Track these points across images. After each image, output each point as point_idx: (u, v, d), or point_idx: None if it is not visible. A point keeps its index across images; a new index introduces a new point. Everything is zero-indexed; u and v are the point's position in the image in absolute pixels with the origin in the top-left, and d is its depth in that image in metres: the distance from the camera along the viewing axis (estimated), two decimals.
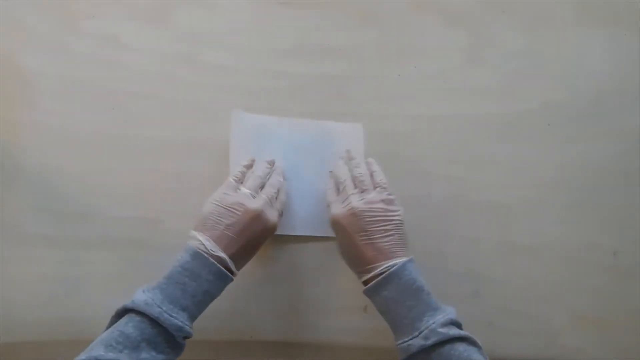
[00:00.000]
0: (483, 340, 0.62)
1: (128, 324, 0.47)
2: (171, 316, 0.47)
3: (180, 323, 0.48)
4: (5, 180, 0.62)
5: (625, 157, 0.65)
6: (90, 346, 0.47)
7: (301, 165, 0.63)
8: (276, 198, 0.57)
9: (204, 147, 0.63)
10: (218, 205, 0.53)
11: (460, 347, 0.48)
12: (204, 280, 0.50)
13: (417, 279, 0.51)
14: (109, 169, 0.63)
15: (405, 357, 0.49)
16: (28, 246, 0.62)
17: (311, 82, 0.64)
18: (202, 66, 0.64)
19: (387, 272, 0.50)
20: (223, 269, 0.51)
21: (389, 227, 0.53)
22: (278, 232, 0.62)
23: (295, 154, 0.63)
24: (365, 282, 0.53)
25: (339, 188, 0.58)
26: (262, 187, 0.56)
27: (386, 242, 0.52)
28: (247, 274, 0.62)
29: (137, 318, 0.47)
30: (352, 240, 0.53)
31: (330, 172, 0.61)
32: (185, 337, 0.49)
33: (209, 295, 0.51)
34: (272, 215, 0.54)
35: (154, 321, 0.47)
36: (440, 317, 0.49)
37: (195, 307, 0.50)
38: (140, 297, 0.48)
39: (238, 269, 0.54)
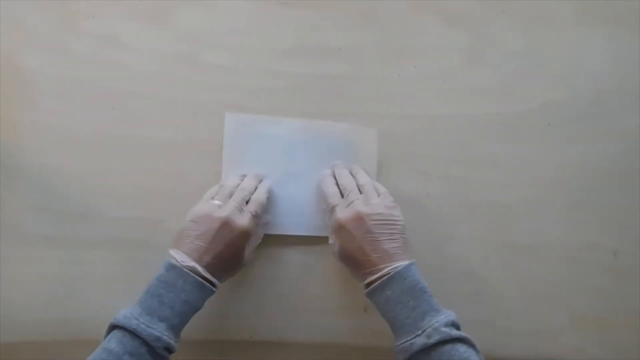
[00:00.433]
0: (483, 340, 0.62)
1: (111, 340, 0.48)
2: (148, 327, 0.48)
3: (157, 333, 0.48)
4: (5, 180, 0.62)
5: (625, 157, 0.65)
6: None
7: (299, 165, 0.63)
8: (247, 202, 0.57)
9: (204, 147, 0.63)
10: (188, 220, 0.55)
11: (461, 348, 0.48)
12: (181, 290, 0.51)
13: (420, 280, 0.52)
14: (109, 169, 0.63)
15: (406, 356, 0.50)
16: (28, 246, 0.62)
17: (311, 82, 0.64)
18: (202, 66, 0.64)
19: (393, 272, 0.51)
20: (199, 278, 0.52)
21: (394, 231, 0.54)
22: (278, 232, 0.62)
23: (291, 154, 0.63)
24: (368, 285, 0.53)
25: (342, 193, 0.58)
26: (232, 195, 0.57)
27: (392, 245, 0.53)
28: (246, 274, 0.63)
29: (119, 333, 0.49)
30: (358, 243, 0.53)
31: (326, 178, 0.61)
32: (168, 349, 0.50)
33: (189, 305, 0.52)
34: (240, 220, 0.55)
35: (133, 334, 0.48)
36: (443, 318, 0.50)
37: (175, 318, 0.51)
38: (120, 313, 0.50)
39: (222, 277, 0.55)
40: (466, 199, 0.64)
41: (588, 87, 0.65)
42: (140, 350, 0.48)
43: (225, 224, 0.54)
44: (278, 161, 0.63)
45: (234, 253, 0.55)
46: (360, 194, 0.57)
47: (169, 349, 0.50)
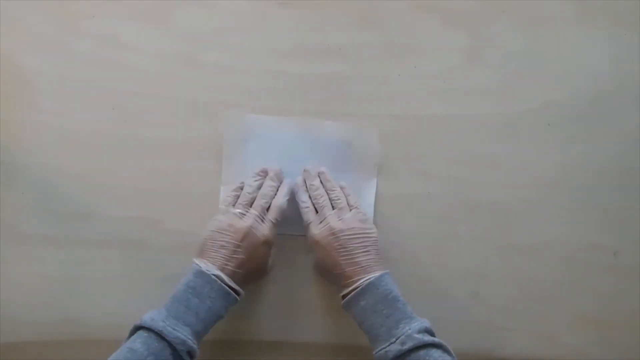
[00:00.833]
0: (483, 340, 0.63)
1: (136, 340, 0.49)
2: (174, 329, 0.49)
3: (182, 336, 0.50)
4: (5, 180, 0.62)
5: (625, 157, 0.65)
6: None
7: (298, 165, 0.63)
8: (268, 208, 0.58)
9: (204, 147, 0.63)
10: (211, 231, 0.56)
11: (435, 354, 0.50)
12: (207, 297, 0.53)
13: (393, 290, 0.54)
14: (109, 169, 0.63)
15: None
16: (28, 246, 0.62)
17: (311, 82, 0.64)
18: (202, 66, 0.64)
19: (366, 284, 0.53)
20: (224, 285, 0.53)
21: (367, 244, 0.56)
22: (278, 232, 0.62)
23: (291, 154, 0.63)
24: (344, 297, 0.55)
25: (315, 208, 0.59)
26: (252, 201, 0.58)
27: (364, 258, 0.55)
28: None
29: (145, 334, 0.49)
30: (332, 258, 0.55)
31: (299, 192, 0.61)
32: (190, 354, 0.51)
33: (213, 313, 0.53)
34: (262, 230, 0.56)
35: (159, 335, 0.49)
36: (416, 325, 0.51)
37: (199, 324, 0.52)
38: (147, 315, 0.50)
39: (246, 286, 0.57)
40: (466, 199, 0.64)
41: (588, 87, 0.65)
42: (164, 353, 0.49)
43: (248, 235, 0.55)
44: (278, 161, 0.63)
45: (257, 262, 0.57)
46: (333, 208, 0.58)
47: (191, 355, 0.51)
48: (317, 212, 0.59)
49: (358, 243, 0.55)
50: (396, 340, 0.51)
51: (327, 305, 0.63)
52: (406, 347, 0.50)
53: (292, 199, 0.62)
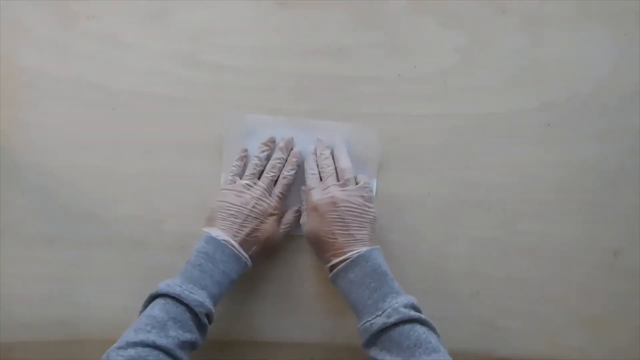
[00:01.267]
0: (483, 340, 0.63)
1: (154, 307, 0.50)
2: (191, 293, 0.50)
3: (200, 299, 0.50)
4: (5, 180, 0.62)
5: (625, 157, 0.65)
6: (122, 335, 0.48)
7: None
8: (275, 182, 0.59)
9: (204, 147, 0.63)
10: (219, 201, 0.57)
11: (420, 329, 0.50)
12: (219, 261, 0.54)
13: (382, 264, 0.54)
14: (109, 168, 0.63)
15: (367, 337, 0.51)
16: (28, 246, 0.62)
17: (311, 82, 0.64)
18: (202, 66, 0.64)
19: (355, 256, 0.53)
20: (235, 250, 0.55)
21: (364, 220, 0.56)
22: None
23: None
24: (332, 268, 0.55)
25: (320, 176, 0.60)
26: (261, 172, 0.60)
27: (359, 232, 0.55)
28: (246, 274, 0.63)
29: (162, 300, 0.50)
30: (327, 226, 0.55)
31: (308, 159, 0.61)
32: (208, 316, 0.51)
33: (226, 276, 0.54)
34: (268, 202, 0.58)
35: (177, 300, 0.50)
36: (403, 299, 0.51)
37: (215, 287, 0.53)
38: (162, 283, 0.51)
39: (255, 257, 0.58)
40: (466, 199, 0.64)
41: (588, 87, 0.65)
42: (184, 316, 0.49)
43: (256, 206, 0.57)
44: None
45: (266, 234, 0.58)
46: (338, 180, 0.58)
47: (209, 317, 0.52)
48: (321, 180, 0.59)
49: (355, 217, 0.56)
50: (382, 313, 0.50)
51: (327, 305, 0.63)
52: (391, 320, 0.50)
53: (292, 199, 0.62)
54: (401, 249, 0.63)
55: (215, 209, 0.57)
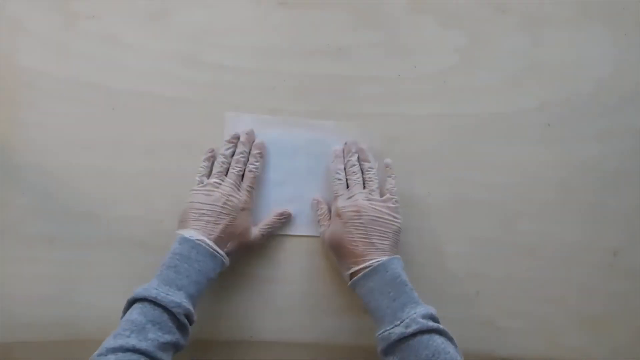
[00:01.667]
0: (483, 340, 0.63)
1: (132, 312, 0.50)
2: (167, 295, 0.50)
3: (177, 300, 0.50)
4: (5, 180, 0.62)
5: (625, 157, 0.65)
6: (102, 343, 0.48)
7: (298, 165, 0.63)
8: (242, 176, 0.60)
9: (204, 147, 0.63)
10: (190, 202, 0.58)
11: (439, 340, 0.50)
12: (194, 261, 0.54)
13: (402, 274, 0.54)
14: (108, 168, 0.63)
15: (384, 345, 0.51)
16: (28, 246, 0.62)
17: (311, 82, 0.64)
18: (202, 66, 0.64)
19: (376, 265, 0.54)
20: (210, 248, 0.55)
21: (387, 230, 0.56)
22: (278, 232, 0.62)
23: (291, 154, 0.64)
24: (352, 275, 0.56)
25: (347, 183, 0.60)
26: (227, 169, 0.60)
27: (381, 242, 0.56)
28: (246, 274, 0.63)
29: (140, 305, 0.50)
30: (350, 234, 0.56)
31: (335, 160, 0.62)
32: (187, 317, 0.51)
33: (203, 275, 0.54)
34: (238, 197, 0.59)
35: (154, 303, 0.50)
36: (422, 310, 0.52)
37: (192, 286, 0.53)
38: (138, 288, 0.51)
39: (232, 253, 0.58)
40: (466, 199, 0.64)
41: (588, 87, 0.65)
42: (163, 318, 0.49)
43: (227, 202, 0.57)
44: (278, 161, 0.63)
45: (239, 229, 0.58)
46: (364, 187, 0.59)
47: (189, 318, 0.52)
48: (347, 187, 0.60)
49: (379, 226, 0.56)
50: (400, 323, 0.51)
51: (327, 305, 0.63)
52: (410, 330, 0.50)
53: (292, 199, 0.62)
54: (401, 249, 0.63)
55: (187, 210, 0.57)
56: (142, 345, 0.47)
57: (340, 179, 0.60)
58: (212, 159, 0.61)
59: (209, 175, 0.61)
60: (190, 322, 0.52)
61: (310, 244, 0.63)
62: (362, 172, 0.61)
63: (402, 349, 0.50)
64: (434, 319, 0.52)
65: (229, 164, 0.61)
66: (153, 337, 0.48)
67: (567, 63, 0.65)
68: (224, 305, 0.62)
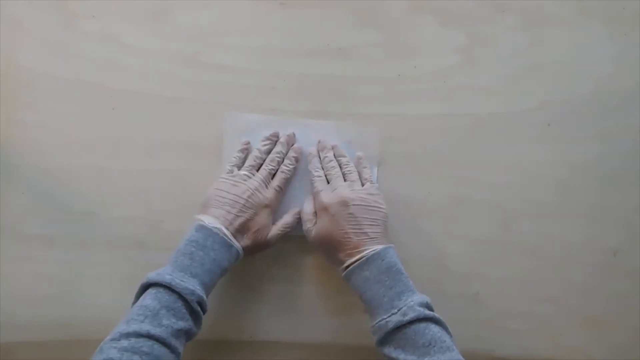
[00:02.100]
0: (483, 340, 0.62)
1: (146, 298, 0.49)
2: (182, 281, 0.50)
3: (191, 287, 0.50)
4: (5, 180, 0.62)
5: (625, 157, 0.65)
6: (114, 328, 0.48)
7: (297, 164, 0.63)
8: (273, 175, 0.60)
9: (204, 147, 0.63)
10: (216, 189, 0.57)
11: (435, 328, 0.50)
12: (210, 249, 0.53)
13: (397, 262, 0.54)
14: (108, 168, 0.63)
15: (381, 335, 0.51)
16: (28, 246, 0.62)
17: (311, 82, 0.64)
18: (202, 66, 0.64)
19: (371, 253, 0.53)
20: (226, 238, 0.54)
21: (376, 217, 0.56)
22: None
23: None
24: (346, 268, 0.55)
25: (327, 179, 0.60)
26: (260, 165, 0.60)
27: (372, 230, 0.55)
28: (247, 274, 0.63)
29: (153, 290, 0.50)
30: (340, 226, 0.55)
31: (312, 161, 0.62)
32: (200, 305, 0.51)
33: (217, 265, 0.53)
34: (264, 194, 0.58)
35: (168, 289, 0.49)
36: (418, 298, 0.52)
37: (205, 275, 0.52)
38: (152, 273, 0.51)
39: (247, 250, 0.57)
40: (466, 199, 0.64)
41: (588, 87, 0.65)
42: (177, 305, 0.49)
43: (252, 197, 0.57)
44: None
45: (259, 225, 0.58)
46: (345, 180, 0.59)
47: (202, 306, 0.51)
48: (328, 182, 0.60)
49: (368, 214, 0.56)
50: (398, 311, 0.50)
51: (327, 305, 0.63)
52: (407, 318, 0.50)
53: (293, 199, 0.62)
54: (401, 249, 0.62)
55: (211, 197, 0.57)
56: (156, 331, 0.47)
57: (319, 176, 0.60)
58: (246, 151, 0.61)
59: (240, 166, 0.60)
60: (203, 310, 0.52)
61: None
62: (340, 167, 0.61)
63: (399, 337, 0.50)
64: (429, 307, 0.52)
65: (263, 160, 0.61)
66: (167, 324, 0.48)
67: (567, 63, 0.65)
68: (224, 305, 0.62)
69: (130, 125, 0.63)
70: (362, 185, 0.59)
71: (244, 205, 0.56)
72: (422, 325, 0.50)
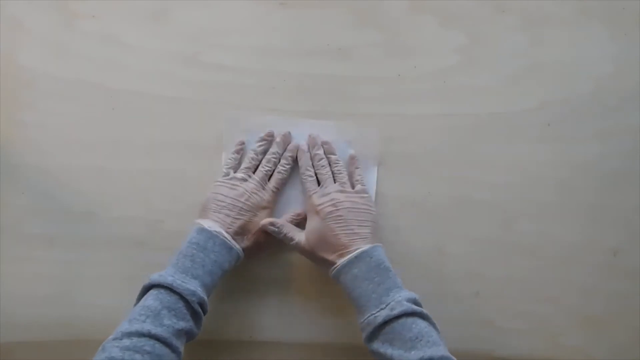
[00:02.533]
0: (483, 340, 0.62)
1: (148, 298, 0.50)
2: (183, 282, 0.51)
3: (192, 287, 0.51)
4: (5, 180, 0.62)
5: (625, 157, 0.65)
6: (117, 328, 0.49)
7: (297, 164, 0.63)
8: (270, 176, 0.60)
9: (204, 147, 0.63)
10: (214, 193, 0.58)
11: (422, 324, 0.51)
12: (211, 251, 0.54)
13: (385, 260, 0.55)
14: (108, 169, 0.63)
15: (370, 331, 0.51)
16: (28, 246, 0.62)
17: (311, 82, 0.64)
18: (202, 66, 0.64)
19: (359, 252, 0.54)
20: (227, 240, 0.55)
21: (365, 218, 0.57)
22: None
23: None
24: (337, 267, 0.55)
25: (318, 180, 0.60)
26: (257, 166, 0.60)
27: (362, 230, 0.56)
28: (246, 274, 0.63)
29: (155, 291, 0.50)
30: (329, 228, 0.56)
31: (303, 155, 0.62)
32: (201, 306, 0.52)
33: (218, 266, 0.54)
34: (261, 196, 0.59)
35: (169, 290, 0.50)
36: (405, 294, 0.52)
37: (207, 276, 0.53)
38: (154, 274, 0.52)
39: (248, 251, 0.58)
40: (466, 199, 0.64)
41: (588, 87, 0.65)
42: (178, 305, 0.50)
43: (250, 199, 0.58)
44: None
45: (256, 227, 0.58)
46: (335, 182, 0.59)
47: (203, 307, 0.52)
48: (318, 182, 0.60)
49: (357, 216, 0.56)
50: (386, 306, 0.51)
51: (326, 305, 0.63)
52: (395, 312, 0.50)
53: (292, 199, 0.62)
54: (401, 249, 0.63)
55: (209, 201, 0.58)
56: (158, 330, 0.47)
57: (311, 175, 0.60)
58: (241, 152, 0.62)
59: (236, 168, 0.61)
60: (204, 311, 0.52)
61: None
62: (330, 165, 0.61)
63: (386, 331, 0.50)
64: (417, 303, 0.52)
65: (259, 160, 0.61)
66: (168, 324, 0.48)
67: (567, 63, 0.65)
68: (224, 305, 0.62)
69: (130, 125, 0.63)
70: (353, 186, 0.60)
71: (242, 208, 0.57)
72: (410, 319, 0.50)
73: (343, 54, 0.64)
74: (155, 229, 0.63)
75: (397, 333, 0.50)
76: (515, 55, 0.65)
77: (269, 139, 0.62)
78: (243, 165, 0.60)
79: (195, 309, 0.51)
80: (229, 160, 0.61)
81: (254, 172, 0.60)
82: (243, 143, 0.62)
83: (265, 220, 0.59)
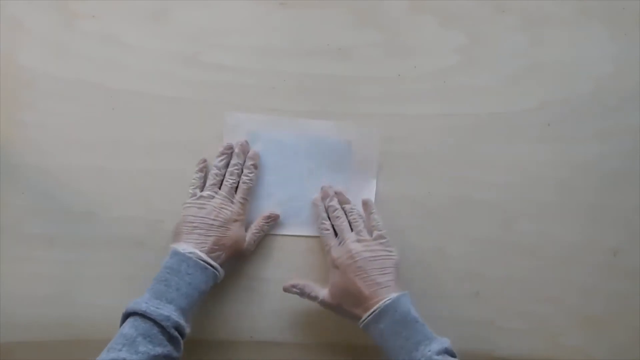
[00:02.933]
0: (483, 340, 0.62)
1: (125, 326, 0.50)
2: (157, 308, 0.51)
3: (166, 313, 0.51)
4: (5, 180, 0.62)
5: (625, 157, 0.65)
6: (97, 358, 0.49)
7: (299, 165, 0.63)
8: (236, 188, 0.60)
9: (204, 147, 0.63)
10: (183, 215, 0.59)
11: None
12: (185, 274, 0.54)
13: (411, 311, 0.53)
14: (108, 169, 0.63)
15: None
16: (28, 246, 0.62)
17: (311, 82, 0.64)
18: (202, 66, 0.64)
19: (384, 305, 0.53)
20: (200, 261, 0.55)
21: (386, 264, 0.56)
22: (278, 232, 0.63)
23: (291, 154, 0.63)
24: (363, 321, 0.55)
25: (335, 231, 0.60)
26: (221, 181, 0.60)
27: (383, 279, 0.55)
28: (246, 274, 0.63)
29: (131, 319, 0.51)
30: (351, 281, 0.56)
31: (317, 208, 0.62)
32: (178, 330, 0.51)
33: (194, 288, 0.54)
34: (231, 209, 0.59)
35: (144, 316, 0.50)
36: (435, 346, 0.51)
37: (182, 300, 0.53)
38: (131, 302, 0.52)
39: (226, 264, 0.58)
40: (466, 199, 0.64)
41: (588, 87, 0.65)
42: (153, 331, 0.50)
43: (219, 215, 0.58)
44: (278, 161, 0.63)
45: (232, 240, 0.58)
46: (352, 230, 0.59)
47: (180, 330, 0.52)
48: (336, 234, 0.60)
49: (377, 265, 0.56)
50: None
51: None
52: None
53: (292, 199, 0.62)
54: (401, 249, 0.63)
55: (180, 224, 0.58)
56: (133, 358, 0.48)
57: (327, 229, 0.60)
58: (205, 170, 0.62)
59: (202, 187, 0.61)
60: (182, 334, 0.52)
61: (309, 244, 0.63)
62: (346, 215, 0.60)
63: None
64: (449, 352, 0.51)
65: (223, 175, 0.61)
66: (144, 350, 0.49)
67: (567, 63, 0.65)
68: (224, 305, 0.62)
69: (130, 125, 0.63)
70: (370, 232, 0.59)
71: (213, 225, 0.57)
72: None
73: (343, 54, 0.64)
74: (155, 229, 0.63)
75: None
76: (515, 55, 0.65)
77: (228, 152, 0.61)
78: (208, 183, 0.60)
79: (171, 334, 0.51)
80: (194, 181, 0.61)
81: (219, 188, 0.60)
82: (205, 161, 0.62)
83: (287, 284, 0.59)
